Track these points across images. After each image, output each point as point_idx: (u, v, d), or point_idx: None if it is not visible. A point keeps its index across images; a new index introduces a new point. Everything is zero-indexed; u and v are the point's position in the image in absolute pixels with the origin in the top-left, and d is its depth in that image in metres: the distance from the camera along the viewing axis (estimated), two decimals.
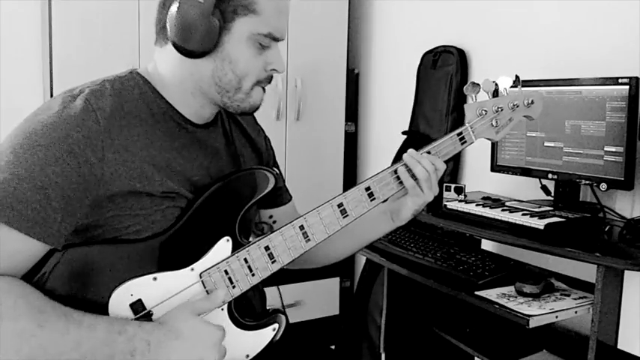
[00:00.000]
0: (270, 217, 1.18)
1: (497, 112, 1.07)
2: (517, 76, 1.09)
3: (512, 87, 1.08)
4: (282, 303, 1.10)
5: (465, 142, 1.06)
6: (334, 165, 2.56)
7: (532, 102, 1.09)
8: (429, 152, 1.04)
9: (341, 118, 2.55)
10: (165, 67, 0.96)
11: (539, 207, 1.52)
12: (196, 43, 0.89)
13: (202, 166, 0.97)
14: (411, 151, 1.03)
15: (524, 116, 1.11)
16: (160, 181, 0.89)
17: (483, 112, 1.07)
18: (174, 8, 0.89)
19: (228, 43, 0.91)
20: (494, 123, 1.08)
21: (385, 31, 2.54)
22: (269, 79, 0.99)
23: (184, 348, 0.83)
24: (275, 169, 1.03)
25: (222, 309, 0.93)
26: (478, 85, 1.06)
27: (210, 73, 0.93)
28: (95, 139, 0.84)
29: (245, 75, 0.94)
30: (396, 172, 1.03)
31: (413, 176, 1.03)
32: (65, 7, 1.95)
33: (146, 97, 0.93)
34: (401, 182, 1.04)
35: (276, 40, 0.95)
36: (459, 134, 1.06)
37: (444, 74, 2.12)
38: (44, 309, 0.78)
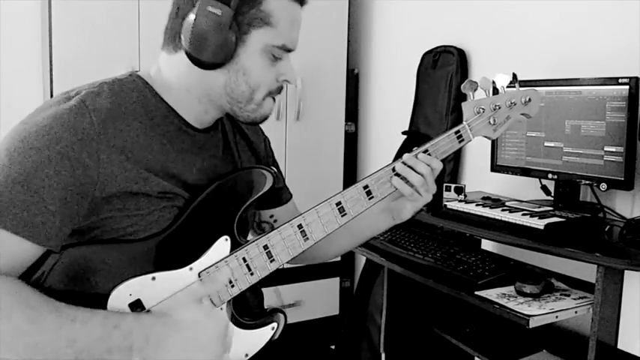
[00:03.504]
0: (271, 216, 1.18)
1: (494, 110, 1.07)
2: (514, 74, 1.09)
3: (509, 85, 1.08)
4: (282, 302, 1.10)
5: (463, 140, 1.06)
6: (334, 165, 2.56)
7: (529, 100, 1.09)
8: (426, 151, 1.04)
9: (341, 118, 2.55)
10: (172, 73, 0.95)
11: (539, 207, 1.52)
12: (212, 55, 0.88)
13: (201, 170, 0.97)
14: (405, 157, 1.02)
15: (522, 114, 1.11)
16: (157, 181, 0.89)
17: (481, 110, 1.07)
18: (190, 19, 0.88)
19: (243, 55, 0.91)
20: (491, 121, 1.07)
21: (385, 31, 2.54)
22: (280, 90, 0.99)
23: (185, 341, 0.82)
24: (273, 168, 1.03)
25: (222, 308, 0.93)
26: (476, 83, 1.06)
27: (223, 84, 0.93)
28: (89, 140, 0.84)
29: (258, 86, 0.94)
30: (393, 170, 1.03)
31: (409, 182, 1.02)
32: (65, 7, 1.95)
33: (145, 99, 0.93)
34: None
35: (289, 51, 0.96)
36: (456, 132, 1.06)
37: (444, 74, 2.12)
38: (36, 305, 0.78)
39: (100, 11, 1.99)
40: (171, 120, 0.95)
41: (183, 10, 0.90)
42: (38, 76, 2.11)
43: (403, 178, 1.02)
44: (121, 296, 0.87)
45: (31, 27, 2.10)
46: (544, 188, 1.66)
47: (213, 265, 0.92)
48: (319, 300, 2.56)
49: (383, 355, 1.95)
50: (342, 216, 0.99)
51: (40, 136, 0.82)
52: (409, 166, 1.02)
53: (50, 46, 1.95)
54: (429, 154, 1.04)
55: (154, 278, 0.89)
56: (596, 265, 1.24)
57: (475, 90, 1.07)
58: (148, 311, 0.88)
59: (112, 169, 0.85)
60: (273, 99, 0.99)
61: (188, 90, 0.95)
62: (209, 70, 0.91)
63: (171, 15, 0.94)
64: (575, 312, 1.33)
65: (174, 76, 0.95)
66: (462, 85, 1.08)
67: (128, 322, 0.81)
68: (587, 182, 1.50)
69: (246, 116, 0.97)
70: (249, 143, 1.13)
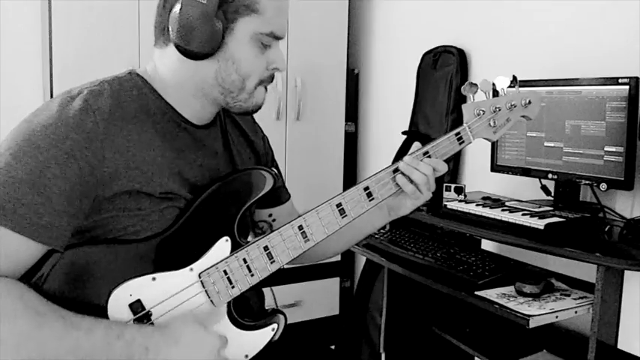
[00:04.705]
0: (270, 215, 1.18)
1: (494, 112, 1.07)
2: (514, 77, 1.09)
3: (509, 87, 1.08)
4: (275, 301, 1.10)
5: (463, 142, 1.06)
6: (334, 165, 2.56)
7: (529, 102, 1.09)
8: (426, 152, 1.04)
9: (341, 118, 2.55)
10: (165, 68, 0.95)
11: (539, 207, 1.52)
12: (200, 44, 0.88)
13: (201, 167, 0.97)
14: (406, 158, 1.03)
15: (522, 116, 1.11)
16: (159, 181, 0.89)
17: (481, 112, 1.07)
18: (176, 10, 0.88)
19: (232, 44, 0.91)
20: (491, 123, 1.08)
21: (385, 31, 2.54)
22: (271, 78, 0.99)
23: (183, 355, 0.83)
24: (273, 168, 1.03)
25: (222, 309, 0.93)
26: (476, 85, 1.06)
27: (214, 74, 0.93)
28: (94, 139, 0.84)
29: (249, 75, 0.94)
30: (394, 171, 1.03)
31: (411, 181, 1.03)
32: (65, 7, 1.95)
33: (145, 97, 0.93)
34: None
35: (277, 38, 0.95)
36: (456, 134, 1.06)
37: (444, 74, 2.12)
38: (42, 311, 0.78)
39: (100, 11, 1.99)
40: (170, 117, 0.95)
41: (170, 2, 0.91)
42: (38, 76, 2.11)
43: (407, 177, 1.02)
44: (121, 296, 0.87)
45: (31, 27, 2.09)
46: (544, 188, 1.66)
47: (214, 265, 0.92)
48: (319, 300, 2.56)
49: (383, 355, 1.95)
50: (342, 217, 0.99)
51: (45, 135, 0.82)
52: (413, 167, 1.02)
53: (50, 46, 1.95)
54: (429, 156, 1.04)
55: (154, 278, 0.89)
56: (596, 265, 1.24)
57: (475, 92, 1.07)
58: (150, 317, 0.88)
59: (116, 168, 0.86)
60: (265, 88, 0.99)
61: (182, 84, 0.95)
62: (198, 60, 0.91)
63: (158, 8, 0.94)
64: (575, 312, 1.33)
65: (168, 71, 0.95)
66: (462, 87, 1.08)
67: (130, 332, 0.81)
68: (587, 182, 1.50)
69: (239, 106, 0.97)
70: (248, 140, 1.13)
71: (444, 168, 1.04)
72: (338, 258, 2.58)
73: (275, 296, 1.00)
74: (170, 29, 0.90)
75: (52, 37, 1.94)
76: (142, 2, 2.05)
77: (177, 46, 0.90)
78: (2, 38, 2.06)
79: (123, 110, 0.89)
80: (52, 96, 1.96)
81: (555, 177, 1.59)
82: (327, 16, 2.43)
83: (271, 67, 0.97)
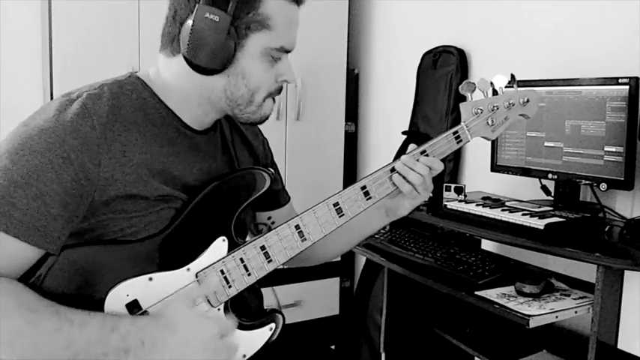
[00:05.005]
0: (269, 218, 1.18)
1: (492, 110, 1.07)
2: (512, 75, 1.09)
3: (507, 86, 1.08)
4: (279, 303, 1.10)
5: (461, 140, 1.06)
6: (334, 165, 2.56)
7: (527, 100, 1.09)
8: (424, 151, 1.04)
9: (341, 118, 2.55)
10: (171, 76, 0.95)
11: (539, 207, 1.52)
12: (211, 61, 0.88)
13: (200, 172, 0.97)
14: (403, 158, 1.03)
15: (520, 115, 1.10)
16: (156, 185, 0.89)
17: (479, 111, 1.06)
18: (188, 25, 0.88)
19: (242, 59, 0.91)
20: (489, 122, 1.07)
21: (385, 31, 2.54)
22: (279, 90, 0.99)
23: (179, 344, 0.81)
24: (271, 169, 1.03)
25: (219, 309, 0.93)
26: (473, 84, 1.06)
27: (222, 88, 0.93)
28: (91, 144, 0.84)
29: (258, 89, 0.94)
30: (391, 170, 1.03)
31: (408, 181, 1.02)
32: (65, 7, 1.95)
33: (144, 101, 0.93)
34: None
35: (287, 52, 0.95)
36: (454, 133, 1.06)
37: (444, 74, 2.12)
38: (36, 308, 0.78)
39: (100, 11, 1.99)
40: (170, 122, 0.95)
41: (181, 14, 0.90)
42: (38, 76, 2.11)
43: (403, 177, 1.02)
44: (118, 296, 0.87)
45: (31, 27, 2.10)
46: (544, 188, 1.66)
47: (211, 265, 0.92)
48: (319, 300, 2.56)
49: (383, 355, 1.95)
50: (339, 217, 0.99)
51: (42, 139, 0.82)
52: (409, 167, 1.02)
53: (50, 46, 1.95)
54: (426, 155, 1.04)
55: (151, 279, 0.89)
56: (596, 265, 1.24)
57: (473, 91, 1.07)
58: (145, 313, 0.88)
59: (113, 173, 0.85)
60: (273, 99, 0.99)
61: (187, 93, 0.95)
62: (208, 75, 0.91)
63: (168, 18, 0.94)
64: (575, 312, 1.33)
65: (173, 78, 0.95)
66: (460, 87, 1.07)
67: (125, 325, 0.81)
68: (587, 182, 1.49)
69: (246, 118, 0.97)
70: (248, 145, 1.13)
71: (440, 166, 1.04)
72: (338, 258, 2.58)
73: (277, 296, 0.99)
74: (180, 42, 0.89)
75: (52, 37, 1.95)
76: (142, 2, 2.05)
77: (188, 61, 0.89)
78: (2, 38, 2.06)
79: (121, 114, 0.88)
80: (52, 96, 1.96)
81: (555, 177, 1.58)
82: (327, 16, 2.43)
83: (280, 80, 0.97)
